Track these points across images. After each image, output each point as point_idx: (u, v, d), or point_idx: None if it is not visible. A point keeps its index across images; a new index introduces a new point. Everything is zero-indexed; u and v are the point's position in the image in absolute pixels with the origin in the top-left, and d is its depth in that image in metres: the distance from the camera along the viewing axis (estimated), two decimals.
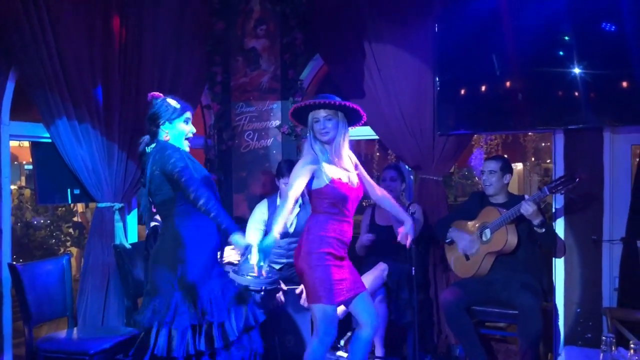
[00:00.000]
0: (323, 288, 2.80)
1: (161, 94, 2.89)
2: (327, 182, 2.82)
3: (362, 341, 2.94)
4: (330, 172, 2.85)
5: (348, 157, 2.96)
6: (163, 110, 2.81)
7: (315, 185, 2.86)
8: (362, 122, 2.99)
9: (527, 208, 3.34)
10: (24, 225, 6.93)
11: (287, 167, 3.92)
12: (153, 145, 2.79)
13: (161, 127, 2.81)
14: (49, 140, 3.56)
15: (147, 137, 2.85)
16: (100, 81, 3.66)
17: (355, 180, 2.93)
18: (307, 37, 4.52)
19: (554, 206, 3.85)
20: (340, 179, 2.86)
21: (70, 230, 7.07)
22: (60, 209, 7.06)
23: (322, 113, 2.86)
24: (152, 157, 2.74)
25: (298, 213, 3.99)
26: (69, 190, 3.70)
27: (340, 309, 3.65)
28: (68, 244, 7.02)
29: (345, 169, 2.91)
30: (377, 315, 3.03)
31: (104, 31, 3.67)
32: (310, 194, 2.95)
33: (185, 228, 2.75)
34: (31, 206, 7.25)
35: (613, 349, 2.31)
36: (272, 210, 4.00)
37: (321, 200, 2.87)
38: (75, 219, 7.35)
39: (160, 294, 2.72)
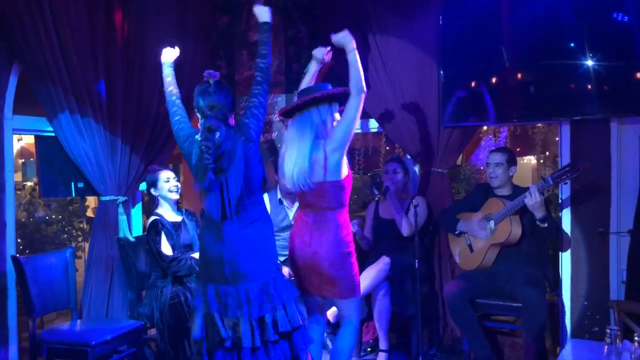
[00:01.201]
0: (358, 280, 2.93)
1: None
2: (348, 171, 2.87)
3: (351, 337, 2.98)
4: None
5: None
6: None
7: (343, 173, 2.85)
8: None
9: (531, 198, 3.29)
10: (35, 220, 6.99)
11: None
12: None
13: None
14: (53, 134, 3.59)
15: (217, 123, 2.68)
16: (103, 75, 3.70)
17: None
18: (311, 30, 4.51)
19: (560, 198, 3.80)
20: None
21: (82, 225, 7.12)
22: (75, 204, 7.12)
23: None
24: (240, 142, 2.67)
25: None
26: (72, 183, 3.73)
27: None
28: (79, 239, 7.08)
29: None
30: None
31: (107, 25, 3.70)
32: (333, 187, 2.82)
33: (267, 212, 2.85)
34: (43, 201, 7.32)
35: (618, 341, 2.28)
36: (274, 205, 4.00)
37: (343, 192, 2.85)
38: (88, 213, 7.41)
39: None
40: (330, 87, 2.88)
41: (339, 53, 4.35)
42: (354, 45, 2.87)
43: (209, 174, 2.63)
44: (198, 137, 2.71)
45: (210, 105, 2.69)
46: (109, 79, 3.72)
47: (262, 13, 2.94)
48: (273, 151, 4.55)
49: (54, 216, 7.17)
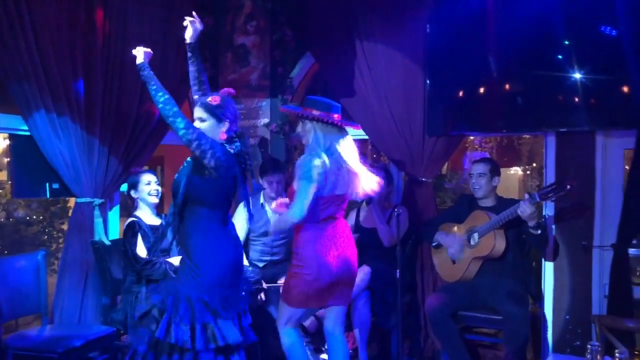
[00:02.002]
0: None
1: None
2: None
3: None
4: None
5: None
6: None
7: None
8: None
9: (525, 209, 3.24)
10: (16, 221, 6.87)
11: (271, 164, 3.87)
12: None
13: None
14: (28, 133, 3.49)
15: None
16: (82, 74, 3.60)
17: None
18: (297, 35, 4.46)
19: (544, 210, 3.77)
20: None
21: (63, 226, 7.00)
22: (57, 205, 7.00)
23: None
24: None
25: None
26: (47, 184, 3.64)
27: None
28: (60, 240, 6.95)
29: None
30: None
31: (87, 23, 3.61)
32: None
33: None
34: (24, 201, 7.20)
35: (599, 357, 2.25)
36: (255, 210, 3.94)
37: None
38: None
39: None
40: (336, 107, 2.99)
41: (327, 59, 4.35)
42: None
43: (252, 178, 2.81)
44: (228, 146, 2.75)
45: (236, 115, 2.80)
46: (88, 78, 3.62)
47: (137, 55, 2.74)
48: (255, 156, 4.48)
49: (34, 217, 7.06)
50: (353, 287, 3.08)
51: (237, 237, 2.87)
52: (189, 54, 2.88)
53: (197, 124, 2.72)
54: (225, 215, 2.78)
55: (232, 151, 2.74)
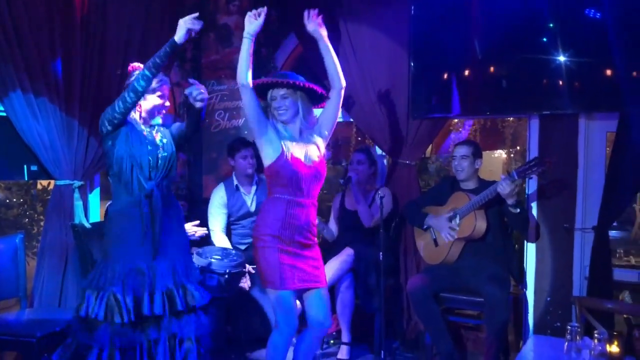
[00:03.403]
0: (270, 272, 2.69)
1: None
2: (279, 155, 2.72)
3: (309, 341, 2.86)
4: (287, 147, 2.75)
5: (314, 134, 2.86)
6: None
7: (270, 158, 2.75)
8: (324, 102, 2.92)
9: (504, 187, 3.24)
10: None
11: (239, 141, 3.92)
12: None
13: None
14: (4, 114, 3.41)
15: None
16: (60, 53, 3.50)
17: (315, 158, 2.80)
18: (281, 15, 4.39)
19: (526, 193, 3.78)
20: (292, 154, 2.73)
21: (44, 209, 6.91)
22: (38, 188, 6.90)
23: (280, 91, 2.79)
24: None
25: (256, 191, 3.91)
26: (25, 166, 3.56)
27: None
28: (42, 223, 6.86)
29: (306, 146, 2.81)
30: (329, 317, 2.85)
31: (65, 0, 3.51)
32: (266, 175, 2.83)
33: None
34: (3, 184, 7.10)
35: (578, 338, 2.27)
36: (230, 192, 3.91)
37: (275, 179, 2.76)
38: None
39: None
40: (298, 78, 2.88)
41: (311, 41, 4.27)
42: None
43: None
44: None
45: None
46: (67, 56, 3.53)
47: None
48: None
49: (14, 199, 6.95)
50: None
51: None
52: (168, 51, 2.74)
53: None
54: None
55: None
